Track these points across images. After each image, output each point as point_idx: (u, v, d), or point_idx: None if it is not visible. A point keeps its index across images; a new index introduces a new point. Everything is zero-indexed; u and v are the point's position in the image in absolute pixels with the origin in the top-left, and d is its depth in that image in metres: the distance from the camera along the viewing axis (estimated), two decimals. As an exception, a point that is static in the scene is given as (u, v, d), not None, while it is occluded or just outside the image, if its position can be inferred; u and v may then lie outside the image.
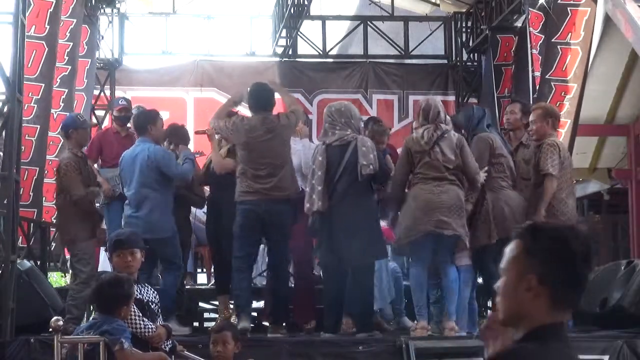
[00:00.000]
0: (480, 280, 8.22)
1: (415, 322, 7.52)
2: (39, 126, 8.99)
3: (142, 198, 7.66)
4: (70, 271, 8.53)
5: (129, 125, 9.18)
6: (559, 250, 2.35)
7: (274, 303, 7.70)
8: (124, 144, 9.10)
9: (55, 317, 5.74)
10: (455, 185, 7.26)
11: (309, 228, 7.36)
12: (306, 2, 12.56)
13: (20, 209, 7.84)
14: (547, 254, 2.35)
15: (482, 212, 7.48)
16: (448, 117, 7.71)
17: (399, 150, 8.35)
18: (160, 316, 5.81)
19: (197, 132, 9.17)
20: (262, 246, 8.42)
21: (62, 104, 9.96)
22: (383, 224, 7.83)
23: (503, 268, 2.43)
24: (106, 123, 12.37)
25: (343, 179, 7.28)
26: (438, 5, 14.63)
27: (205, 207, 8.58)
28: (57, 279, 13.87)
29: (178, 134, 8.47)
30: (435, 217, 7.13)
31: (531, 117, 7.88)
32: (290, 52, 13.95)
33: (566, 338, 2.38)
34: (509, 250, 2.43)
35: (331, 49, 14.27)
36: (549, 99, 9.64)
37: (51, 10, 9.15)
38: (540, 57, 10.11)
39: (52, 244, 10.02)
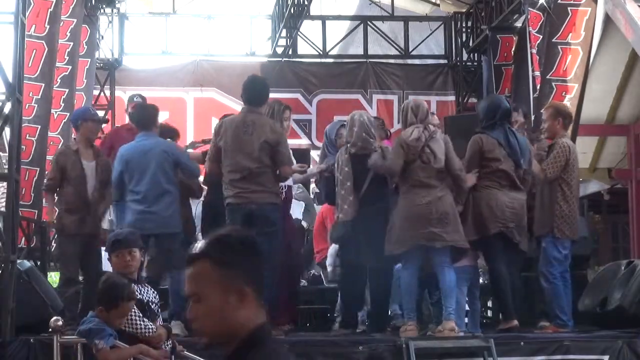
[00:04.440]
0: (481, 280, 8.22)
1: (405, 322, 7.42)
2: (39, 126, 9.00)
3: (160, 192, 7.53)
4: None
5: None
6: (244, 249, 2.39)
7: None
8: None
9: (55, 317, 5.76)
10: (446, 190, 7.25)
11: (338, 236, 7.42)
12: (306, 2, 12.55)
13: (21, 209, 7.84)
14: (241, 258, 2.37)
15: (463, 213, 7.47)
16: (431, 118, 7.68)
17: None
18: (160, 316, 5.80)
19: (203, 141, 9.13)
20: None
21: (63, 104, 9.95)
22: None
23: (196, 293, 2.37)
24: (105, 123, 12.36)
25: (372, 187, 7.41)
26: (438, 5, 14.63)
27: (201, 208, 8.56)
28: (57, 279, 13.85)
29: (169, 131, 8.48)
30: (426, 229, 7.11)
31: (543, 116, 7.96)
32: (290, 52, 13.95)
33: (271, 334, 2.43)
34: (196, 272, 2.37)
35: (331, 49, 14.27)
36: (550, 99, 9.63)
37: (51, 9, 9.16)
38: (539, 57, 10.11)
39: (54, 244, 10.03)
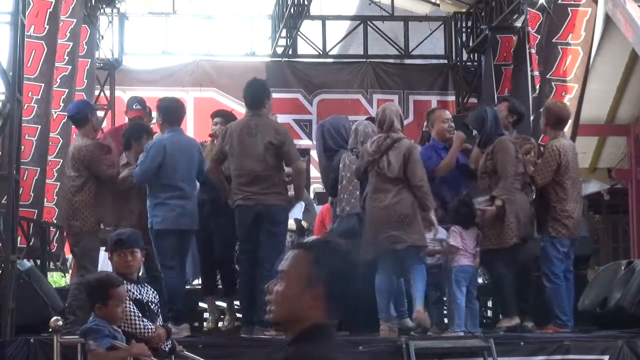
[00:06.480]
0: (480, 280, 8.21)
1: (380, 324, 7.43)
2: (39, 126, 8.99)
3: (193, 189, 7.52)
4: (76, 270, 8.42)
5: None
6: (343, 266, 2.58)
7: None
8: None
9: (55, 317, 5.75)
10: (403, 193, 7.25)
11: (345, 229, 7.50)
12: (306, 2, 12.57)
13: (21, 209, 7.83)
14: (334, 269, 2.55)
15: (500, 216, 7.48)
16: (398, 124, 7.63)
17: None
18: (160, 316, 5.80)
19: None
20: None
21: (62, 104, 9.93)
22: None
23: (285, 272, 2.58)
24: (105, 123, 12.34)
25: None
26: (438, 5, 14.64)
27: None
28: (57, 279, 13.87)
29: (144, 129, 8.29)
30: (386, 233, 7.17)
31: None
32: (290, 52, 13.96)
33: (333, 335, 2.63)
34: (295, 257, 2.59)
35: (331, 49, 14.27)
36: (550, 99, 9.62)
37: (50, 10, 9.15)
38: (537, 57, 10.11)
39: (54, 244, 10.03)
